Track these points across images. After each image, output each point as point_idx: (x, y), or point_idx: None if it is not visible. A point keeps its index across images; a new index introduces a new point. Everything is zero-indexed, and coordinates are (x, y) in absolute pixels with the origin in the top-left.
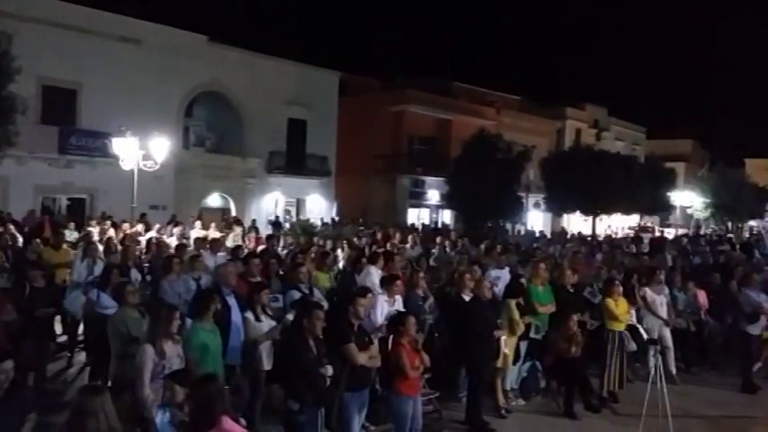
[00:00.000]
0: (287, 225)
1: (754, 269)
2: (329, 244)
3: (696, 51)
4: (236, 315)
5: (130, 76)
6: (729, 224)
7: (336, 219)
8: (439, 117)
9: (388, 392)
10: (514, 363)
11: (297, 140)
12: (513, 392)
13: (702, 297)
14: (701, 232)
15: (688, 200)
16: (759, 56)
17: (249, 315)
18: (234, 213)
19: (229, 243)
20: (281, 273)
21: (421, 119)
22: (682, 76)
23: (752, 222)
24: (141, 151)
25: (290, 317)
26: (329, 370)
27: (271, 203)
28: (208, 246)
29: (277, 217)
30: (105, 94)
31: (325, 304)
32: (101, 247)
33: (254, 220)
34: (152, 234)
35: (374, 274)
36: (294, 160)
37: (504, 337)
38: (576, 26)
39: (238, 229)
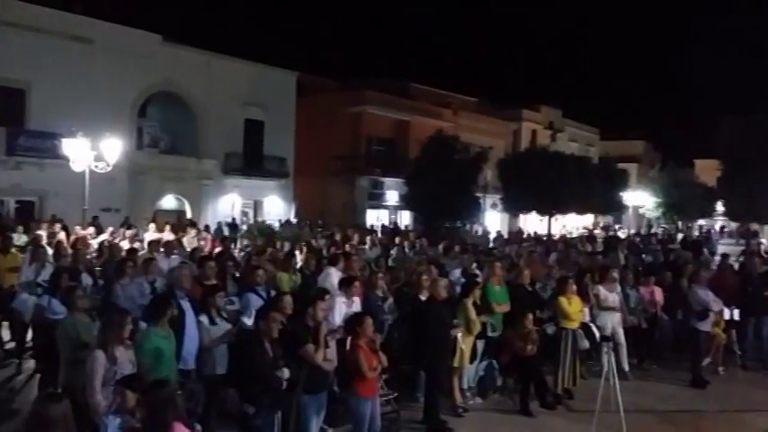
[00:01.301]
0: (244, 227)
1: (702, 267)
2: (287, 246)
3: (648, 54)
4: (190, 319)
5: (82, 76)
6: (680, 223)
7: (295, 220)
8: (397, 118)
9: (346, 394)
10: (471, 362)
11: (254, 141)
12: (470, 391)
13: (658, 294)
14: (653, 231)
15: (640, 200)
16: (707, 60)
17: (204, 319)
18: (189, 215)
19: (186, 245)
20: (238, 275)
21: (379, 120)
22: (634, 78)
23: (701, 221)
24: (93, 152)
25: (246, 320)
26: (286, 373)
27: (227, 205)
28: (162, 248)
29: (234, 219)
30: (56, 94)
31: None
32: (50, 251)
33: (207, 226)
34: (104, 237)
35: (333, 276)
36: (251, 161)
37: (460, 336)
38: (531, 29)
39: (193, 232)
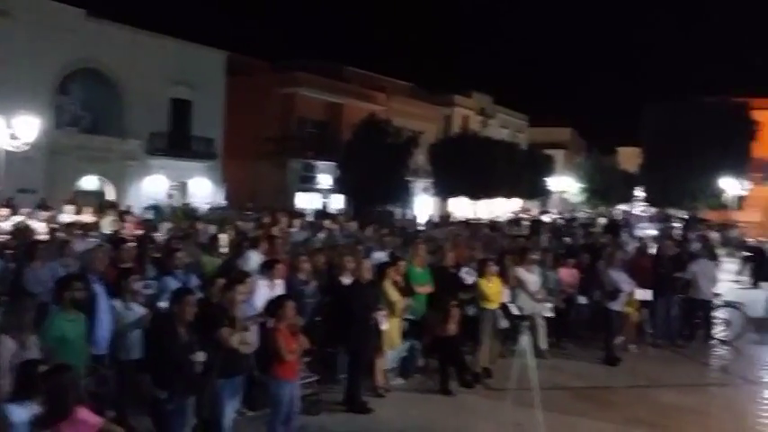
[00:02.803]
0: (169, 209)
1: (619, 250)
2: (213, 228)
3: (575, 43)
4: (103, 303)
5: None
6: (602, 208)
7: (223, 203)
8: (330, 101)
9: (265, 377)
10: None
11: (180, 121)
12: (392, 372)
13: (573, 276)
14: (575, 215)
15: (565, 185)
16: (632, 49)
17: (117, 303)
18: (113, 197)
19: (105, 228)
20: (157, 258)
21: (312, 102)
22: (562, 66)
23: (622, 206)
24: (9, 130)
25: (163, 304)
26: (200, 356)
27: (152, 187)
28: (79, 231)
29: (157, 201)
30: None
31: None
32: None
33: (129, 207)
34: (18, 218)
35: (253, 259)
36: (178, 142)
37: (383, 318)
38: (463, 16)
39: (112, 214)
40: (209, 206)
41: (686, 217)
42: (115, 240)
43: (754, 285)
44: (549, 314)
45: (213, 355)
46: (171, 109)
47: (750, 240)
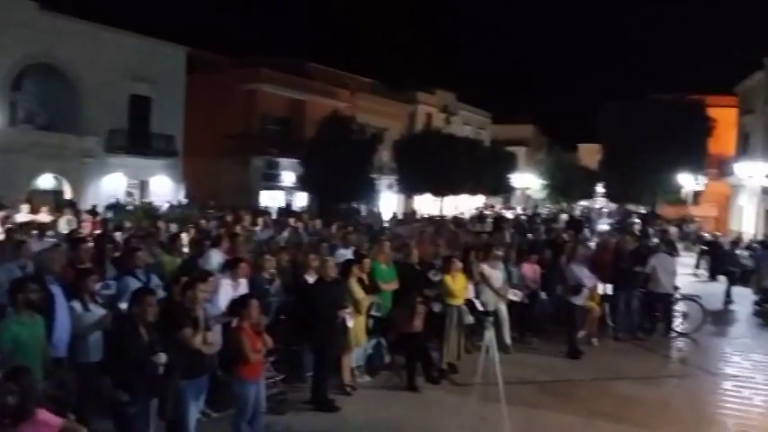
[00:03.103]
0: (129, 208)
1: (580, 245)
2: (175, 227)
3: (536, 41)
4: (60, 304)
5: None
6: (564, 204)
7: (184, 201)
8: (293, 97)
9: (229, 377)
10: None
11: (140, 118)
12: (358, 370)
13: (535, 271)
14: (538, 212)
15: (527, 182)
16: (592, 48)
17: (76, 304)
18: (70, 196)
19: (62, 227)
20: (117, 258)
21: (274, 99)
22: (524, 64)
23: (582, 202)
24: None
25: (123, 305)
26: (162, 358)
27: (111, 185)
28: (35, 231)
29: (117, 200)
30: None
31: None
32: None
33: (94, 206)
34: None
35: (215, 258)
36: (137, 139)
37: (348, 316)
38: (427, 13)
39: (69, 213)
40: (169, 204)
41: (643, 212)
42: (73, 240)
43: (712, 279)
44: (519, 299)
45: (175, 356)
46: (130, 105)
47: (707, 235)
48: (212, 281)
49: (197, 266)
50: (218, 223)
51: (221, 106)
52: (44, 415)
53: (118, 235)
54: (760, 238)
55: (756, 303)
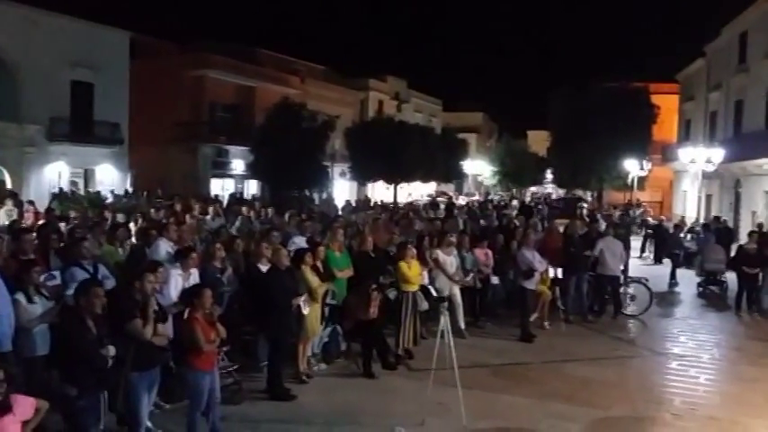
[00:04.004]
0: (73, 197)
1: (531, 230)
2: (121, 217)
3: (487, 29)
4: (3, 297)
5: None
6: (514, 190)
7: (131, 190)
8: (242, 84)
9: (182, 368)
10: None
11: (82, 105)
12: (314, 358)
13: (488, 256)
14: (489, 198)
15: (478, 168)
16: (541, 36)
17: (20, 297)
18: (9, 186)
19: (2, 219)
20: (62, 249)
21: (223, 85)
22: (474, 52)
23: (532, 188)
24: None
25: (70, 297)
26: (111, 350)
27: (54, 174)
28: None
29: (61, 189)
30: None
31: (112, 281)
32: None
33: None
34: None
35: (162, 248)
36: (80, 127)
37: (303, 304)
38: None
39: (11, 203)
40: (114, 194)
41: (579, 196)
42: (15, 231)
43: (657, 261)
44: (472, 284)
45: (125, 348)
46: (72, 92)
47: (652, 219)
48: (162, 271)
49: (144, 256)
50: (167, 212)
51: (168, 93)
52: (20, 398)
53: (63, 225)
54: (702, 221)
55: (700, 285)
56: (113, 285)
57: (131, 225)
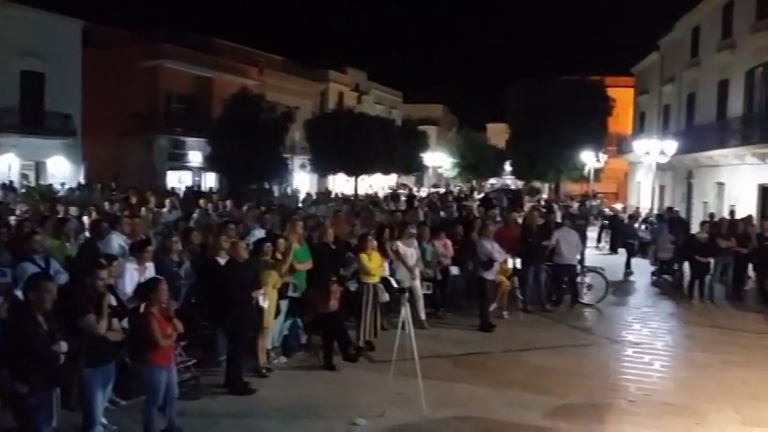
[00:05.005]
0: (23, 191)
1: (490, 222)
2: (75, 210)
3: (445, 23)
4: None
5: None
6: (474, 182)
7: (84, 183)
8: (199, 74)
9: (138, 364)
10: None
11: (33, 96)
12: (274, 351)
13: (448, 247)
14: (451, 189)
15: (439, 160)
16: (500, 29)
17: None
18: None
19: None
20: (12, 243)
21: (179, 76)
22: (434, 45)
23: (492, 180)
24: None
25: (20, 292)
26: (63, 346)
27: (3, 167)
28: None
29: (11, 182)
30: None
31: (65, 276)
32: None
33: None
34: None
35: (115, 241)
36: (30, 118)
37: (261, 298)
38: None
39: None
40: (66, 187)
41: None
42: None
43: (613, 251)
44: (428, 291)
45: (78, 344)
46: (21, 82)
47: (608, 210)
48: (117, 265)
49: (96, 250)
50: (121, 205)
51: (123, 83)
52: None
53: (12, 219)
54: (656, 212)
55: (654, 274)
56: (66, 280)
57: (85, 218)
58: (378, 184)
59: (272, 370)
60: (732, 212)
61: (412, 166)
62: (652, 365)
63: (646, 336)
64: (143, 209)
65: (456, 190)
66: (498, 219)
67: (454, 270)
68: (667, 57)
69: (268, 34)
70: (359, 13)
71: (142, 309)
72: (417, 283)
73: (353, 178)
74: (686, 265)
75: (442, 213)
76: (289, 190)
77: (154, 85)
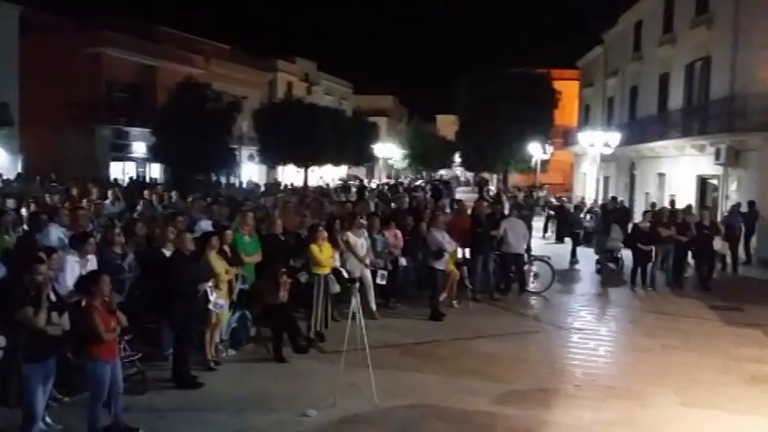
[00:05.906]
0: None
1: (440, 212)
2: (12, 203)
3: (395, 14)
4: None
5: None
6: (424, 173)
7: (22, 174)
8: (142, 63)
9: (81, 359)
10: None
11: None
12: (223, 344)
13: (398, 238)
14: (399, 180)
15: (389, 152)
16: (450, 22)
17: None
18: None
19: None
20: None
21: (122, 64)
22: (384, 35)
23: (441, 171)
24: None
25: None
26: (1, 341)
27: None
28: None
29: None
30: None
31: (2, 270)
32: None
33: None
34: None
35: (54, 233)
36: None
37: (210, 290)
38: None
39: None
40: (3, 178)
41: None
42: None
43: (559, 241)
44: (382, 282)
45: (17, 338)
46: None
47: (554, 200)
48: (56, 258)
49: (34, 242)
50: (62, 197)
51: (63, 71)
52: None
53: None
54: (600, 202)
55: (598, 262)
56: (4, 274)
57: (23, 211)
58: (328, 175)
59: (220, 363)
60: (672, 202)
61: (362, 157)
62: (597, 351)
63: (590, 322)
64: (84, 201)
65: (406, 181)
66: (447, 210)
67: (403, 261)
68: (611, 50)
69: (215, 23)
70: (308, 3)
71: (84, 302)
72: (368, 273)
73: (303, 169)
74: (629, 253)
75: (392, 204)
76: (245, 182)
77: (95, 74)
